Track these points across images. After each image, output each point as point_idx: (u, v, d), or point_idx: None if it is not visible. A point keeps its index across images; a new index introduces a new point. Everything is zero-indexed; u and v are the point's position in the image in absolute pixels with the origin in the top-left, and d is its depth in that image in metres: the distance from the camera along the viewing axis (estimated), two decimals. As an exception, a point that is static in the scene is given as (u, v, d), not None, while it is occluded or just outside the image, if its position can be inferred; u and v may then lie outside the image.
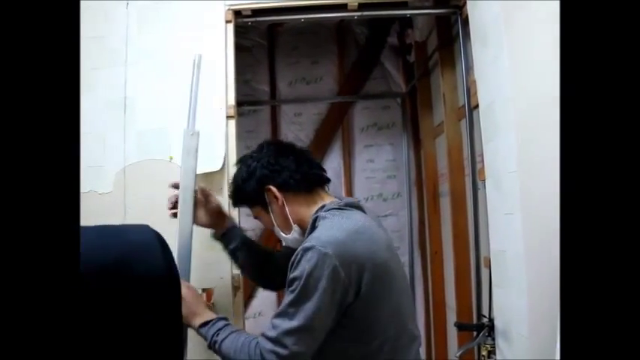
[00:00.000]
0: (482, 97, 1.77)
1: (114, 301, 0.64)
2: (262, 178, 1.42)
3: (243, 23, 2.04)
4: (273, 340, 1.22)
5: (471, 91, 1.94)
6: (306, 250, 1.22)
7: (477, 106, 1.87)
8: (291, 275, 1.23)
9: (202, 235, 1.76)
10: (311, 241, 1.23)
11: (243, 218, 3.33)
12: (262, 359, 1.22)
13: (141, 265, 0.68)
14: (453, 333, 2.47)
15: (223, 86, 1.81)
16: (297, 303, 1.21)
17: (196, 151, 1.54)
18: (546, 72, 1.29)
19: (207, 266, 1.74)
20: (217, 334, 1.32)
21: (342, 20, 3.40)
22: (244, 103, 3.37)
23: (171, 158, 1.77)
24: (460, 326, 1.97)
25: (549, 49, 1.26)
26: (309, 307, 1.20)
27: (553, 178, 1.20)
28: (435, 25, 2.57)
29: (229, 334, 1.31)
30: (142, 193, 1.77)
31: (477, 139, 1.92)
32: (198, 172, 1.76)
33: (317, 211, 1.38)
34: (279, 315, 1.24)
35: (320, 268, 1.19)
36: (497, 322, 1.72)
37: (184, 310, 1.35)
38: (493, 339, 1.74)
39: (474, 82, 1.83)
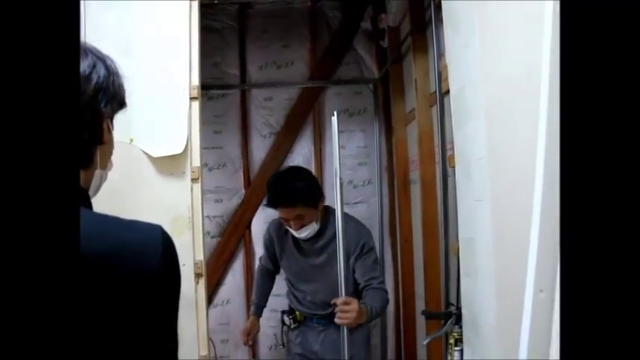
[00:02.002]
0: (453, 83, 1.74)
1: (97, 290, 0.66)
2: (320, 193, 2.22)
3: (210, 1, 1.96)
4: (383, 282, 2.23)
5: (442, 77, 1.91)
6: (367, 233, 2.27)
7: (448, 92, 1.83)
8: (368, 247, 2.18)
9: (165, 221, 1.70)
10: (363, 227, 2.30)
11: (210, 203, 3.29)
12: (387, 297, 2.18)
13: (133, 262, 0.70)
14: (422, 321, 2.46)
15: (186, 66, 1.73)
16: (376, 261, 2.23)
17: (342, 195, 1.97)
18: (518, 57, 1.26)
19: (168, 253, 1.67)
20: (374, 307, 2.06)
21: (314, 3, 3.34)
22: (213, 87, 3.29)
23: (131, 140, 1.70)
24: (428, 314, 1.96)
25: (521, 35, 1.23)
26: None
27: (523, 165, 1.18)
28: (409, 9, 2.53)
29: (371, 301, 2.06)
30: (100, 177, 1.69)
31: (448, 125, 1.90)
32: (158, 156, 1.70)
33: (327, 210, 2.26)
34: (375, 270, 2.19)
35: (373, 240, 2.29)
36: (464, 311, 1.71)
37: (358, 318, 1.97)
38: (461, 327, 1.73)
39: (446, 67, 1.80)
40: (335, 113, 1.91)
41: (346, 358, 1.93)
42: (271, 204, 2.16)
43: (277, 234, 2.37)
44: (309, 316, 2.36)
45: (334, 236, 2.09)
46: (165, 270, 0.72)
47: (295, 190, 2.09)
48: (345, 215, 2.12)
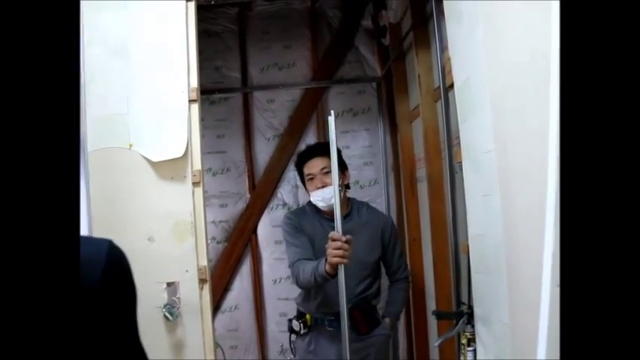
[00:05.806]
0: (457, 74, 1.69)
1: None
2: (346, 165, 2.34)
3: (207, 2, 1.93)
4: (406, 267, 2.46)
5: (445, 70, 1.87)
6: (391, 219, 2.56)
7: (452, 86, 1.79)
8: (395, 234, 2.36)
9: (167, 227, 1.66)
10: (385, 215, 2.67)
11: (215, 209, 3.27)
12: (407, 284, 2.48)
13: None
14: (433, 321, 2.42)
15: (185, 68, 1.70)
16: (400, 250, 2.41)
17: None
18: (523, 43, 1.22)
19: (172, 259, 1.64)
20: (396, 311, 2.42)
21: (314, 3, 3.31)
22: (215, 91, 3.27)
23: (130, 146, 1.66)
24: (438, 315, 1.92)
25: (526, 20, 1.19)
26: None
27: (533, 155, 1.14)
28: (409, 5, 2.49)
29: (391, 307, 2.39)
30: (99, 183, 1.66)
31: (454, 120, 1.85)
32: (158, 160, 1.67)
33: (352, 200, 2.37)
34: (400, 258, 2.38)
35: None
36: (476, 310, 1.66)
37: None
38: (473, 327, 1.68)
39: (449, 60, 1.75)
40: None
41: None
42: (303, 158, 2.28)
43: (304, 220, 2.25)
44: (324, 317, 2.19)
45: (363, 223, 2.24)
46: (108, 285, 0.73)
47: (327, 145, 2.02)
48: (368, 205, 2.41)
